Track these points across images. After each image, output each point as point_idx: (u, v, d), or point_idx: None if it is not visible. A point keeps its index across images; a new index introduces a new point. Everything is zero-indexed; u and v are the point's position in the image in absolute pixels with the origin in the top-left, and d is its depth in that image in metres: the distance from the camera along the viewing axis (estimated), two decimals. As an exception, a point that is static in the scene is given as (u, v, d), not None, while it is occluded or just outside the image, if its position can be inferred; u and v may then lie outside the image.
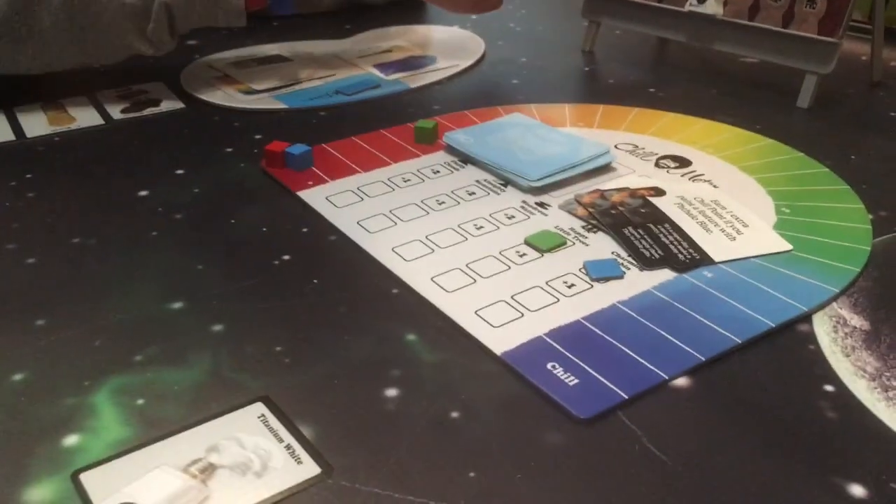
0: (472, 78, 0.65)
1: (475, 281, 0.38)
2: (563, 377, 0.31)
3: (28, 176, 0.48)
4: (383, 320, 0.36)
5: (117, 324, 0.35)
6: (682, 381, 0.32)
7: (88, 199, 0.46)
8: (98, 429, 0.29)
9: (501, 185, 0.46)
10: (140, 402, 0.31)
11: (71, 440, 0.29)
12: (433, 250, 0.40)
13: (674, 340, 0.33)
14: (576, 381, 0.31)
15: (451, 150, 0.50)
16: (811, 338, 0.34)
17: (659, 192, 0.45)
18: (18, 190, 0.46)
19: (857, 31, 0.63)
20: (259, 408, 0.30)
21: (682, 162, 0.49)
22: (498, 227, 0.42)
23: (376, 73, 0.64)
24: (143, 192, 0.46)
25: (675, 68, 0.67)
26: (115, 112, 0.56)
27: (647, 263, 0.38)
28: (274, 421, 0.30)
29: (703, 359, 0.32)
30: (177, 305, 0.36)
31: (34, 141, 0.52)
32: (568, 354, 0.33)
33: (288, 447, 0.28)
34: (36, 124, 0.54)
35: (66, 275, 0.39)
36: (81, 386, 0.31)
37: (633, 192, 0.45)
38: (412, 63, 0.66)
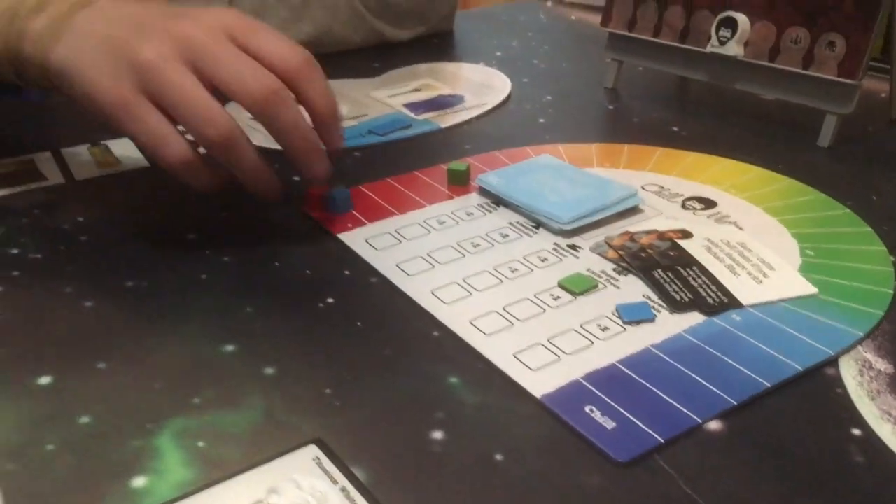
0: (500, 117, 0.67)
1: (512, 324, 0.39)
2: (600, 420, 0.33)
3: (80, 219, 0.50)
4: (426, 362, 0.37)
5: (174, 366, 0.37)
6: (714, 425, 0.33)
7: (139, 242, 0.48)
8: (163, 471, 0.31)
9: (534, 226, 0.48)
10: (201, 444, 0.32)
11: (139, 482, 0.31)
12: (470, 293, 0.42)
13: (706, 384, 0.35)
14: (613, 424, 0.33)
15: (483, 191, 0.52)
16: (838, 381, 0.36)
17: (686, 235, 0.46)
18: (71, 233, 0.48)
19: (876, 70, 0.65)
20: (313, 450, 0.32)
21: (708, 203, 0.51)
22: (532, 270, 0.44)
23: (407, 112, 0.66)
24: (192, 235, 0.48)
25: (697, 105, 0.69)
26: (159, 154, 0.58)
27: (677, 307, 0.40)
28: (328, 463, 0.31)
29: (735, 402, 0.34)
30: (229, 348, 0.38)
31: (83, 183, 0.55)
32: (605, 398, 0.34)
33: (343, 489, 0.30)
34: (84, 166, 0.57)
35: (122, 318, 0.41)
36: (145, 428, 0.33)
37: (661, 235, 0.46)
38: (441, 102, 0.69)
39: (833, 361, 0.37)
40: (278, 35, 0.45)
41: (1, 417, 0.34)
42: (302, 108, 0.45)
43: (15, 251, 0.46)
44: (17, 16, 0.46)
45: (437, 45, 0.87)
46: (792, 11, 0.59)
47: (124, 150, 0.59)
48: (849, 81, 0.57)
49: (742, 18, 0.61)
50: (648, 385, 0.35)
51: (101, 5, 0.46)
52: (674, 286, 0.42)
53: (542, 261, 0.45)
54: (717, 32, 0.62)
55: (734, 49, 0.61)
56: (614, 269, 0.44)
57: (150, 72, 0.42)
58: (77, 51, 0.44)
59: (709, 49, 0.63)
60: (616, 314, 0.40)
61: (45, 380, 0.36)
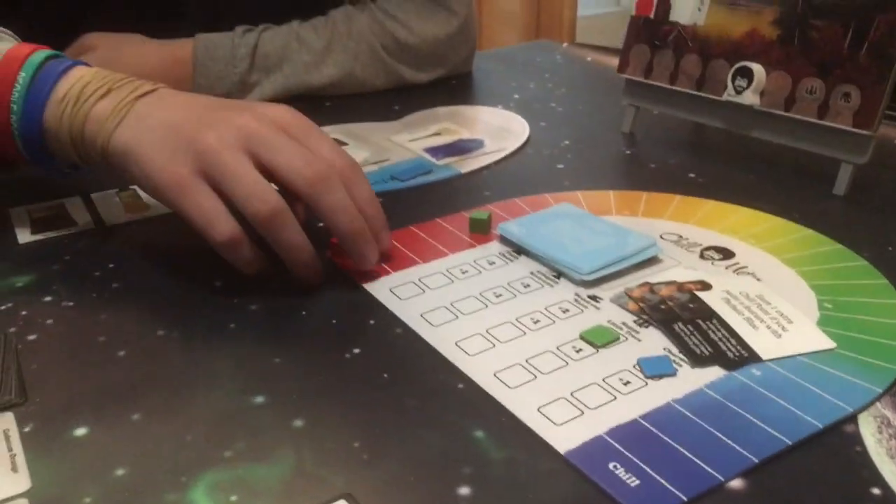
0: (519, 162, 0.68)
1: (535, 377, 0.40)
2: (624, 478, 0.34)
3: (111, 265, 0.51)
4: (452, 416, 0.38)
5: (206, 418, 0.38)
6: (736, 483, 0.34)
7: (168, 289, 0.49)
8: (198, 525, 0.32)
9: (555, 276, 0.49)
10: (234, 498, 0.33)
11: (175, 536, 0.31)
12: (494, 345, 0.43)
13: (727, 441, 0.36)
14: (637, 482, 0.33)
15: (504, 240, 0.53)
16: (857, 439, 0.36)
17: (705, 286, 0.47)
18: (103, 280, 0.49)
19: (890, 118, 0.66)
20: (343, 505, 0.33)
21: (726, 253, 0.51)
22: (553, 321, 0.45)
23: (427, 157, 0.68)
24: (219, 283, 0.49)
25: (714, 151, 0.70)
26: (186, 199, 0.60)
27: (697, 361, 0.41)
28: (359, 519, 0.32)
29: (756, 460, 0.34)
30: (259, 399, 0.39)
31: (113, 229, 0.56)
32: (628, 455, 0.35)
33: (374, 546, 0.31)
34: (113, 211, 0.58)
35: (155, 368, 0.42)
36: (179, 482, 0.34)
37: (680, 286, 0.47)
38: (461, 147, 0.70)
39: (852, 418, 0.37)
40: (329, 139, 0.49)
41: (39, 469, 0.35)
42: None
43: (48, 298, 0.47)
44: (83, 99, 0.49)
45: (455, 87, 0.88)
46: (807, 63, 0.60)
47: (152, 195, 0.60)
48: (864, 132, 0.57)
49: (758, 69, 0.62)
50: (671, 442, 0.36)
51: (161, 94, 0.50)
52: (694, 340, 0.42)
53: (564, 312, 0.45)
54: (733, 81, 0.63)
55: (750, 98, 0.62)
56: (635, 321, 0.44)
57: (208, 153, 0.45)
58: (137, 134, 0.47)
59: (725, 97, 0.64)
60: (638, 368, 0.41)
61: (81, 431, 0.37)
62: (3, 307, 0.46)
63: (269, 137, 0.46)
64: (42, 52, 0.52)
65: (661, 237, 0.53)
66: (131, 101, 0.49)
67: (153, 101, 0.49)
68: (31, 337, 0.44)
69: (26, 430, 0.37)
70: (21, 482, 0.34)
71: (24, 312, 0.46)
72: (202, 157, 0.45)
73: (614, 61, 0.74)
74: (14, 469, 0.35)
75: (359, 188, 0.48)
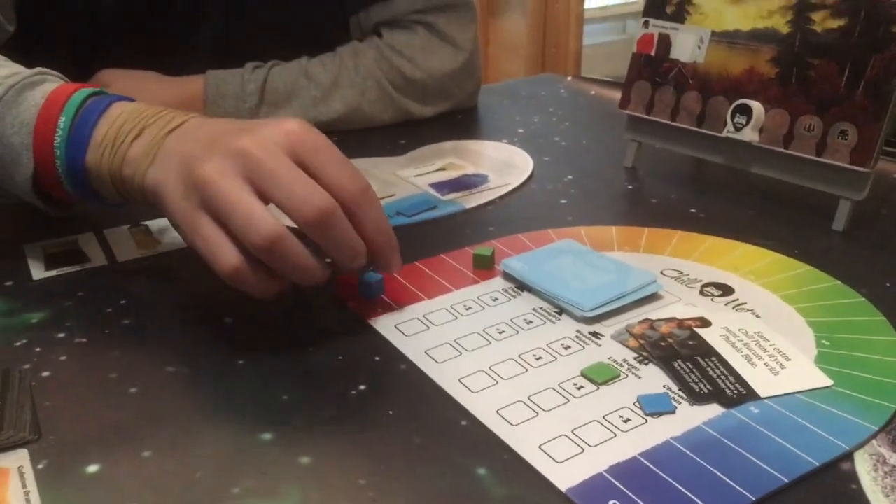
0: (522, 197, 0.69)
1: (537, 414, 0.41)
2: (624, 516, 0.34)
3: (122, 302, 0.52)
4: (455, 453, 0.39)
5: (215, 455, 0.39)
6: (733, 521, 0.34)
7: (179, 325, 0.50)
8: (207, 562, 0.33)
9: (556, 312, 0.50)
10: (242, 535, 0.34)
11: (184, 573, 0.32)
12: (497, 382, 0.44)
13: (725, 479, 0.36)
14: (636, 520, 0.34)
15: (507, 276, 0.54)
16: (853, 476, 0.37)
17: (705, 323, 0.48)
18: (115, 317, 0.50)
19: (889, 154, 0.67)
20: (349, 542, 0.34)
21: (726, 290, 0.52)
22: (555, 358, 0.46)
23: (432, 192, 0.69)
24: (228, 319, 0.50)
25: (714, 186, 0.71)
26: (196, 235, 0.61)
27: (696, 398, 0.42)
28: (363, 556, 0.33)
29: (753, 498, 0.35)
30: (266, 436, 0.40)
31: (124, 266, 0.57)
32: (628, 493, 0.36)
33: (378, 583, 0.32)
34: (125, 247, 0.59)
35: (166, 404, 0.43)
36: (189, 518, 0.35)
37: (680, 323, 0.48)
38: (466, 182, 0.71)
39: (848, 456, 0.38)
40: (339, 158, 0.47)
41: (53, 506, 0.36)
42: None
43: (61, 335, 0.49)
44: (119, 141, 0.50)
45: (461, 121, 0.90)
46: (804, 101, 0.61)
47: (163, 232, 0.62)
48: (861, 169, 0.58)
49: (757, 106, 0.63)
50: (670, 480, 0.36)
51: (187, 127, 0.50)
52: (693, 377, 0.43)
53: (566, 348, 0.46)
54: (732, 118, 0.65)
55: (749, 135, 0.64)
56: (635, 358, 0.45)
57: (206, 186, 0.44)
58: (163, 174, 0.48)
59: (724, 134, 0.65)
60: (638, 405, 0.41)
61: (93, 468, 0.38)
62: (18, 343, 0.48)
63: (268, 167, 0.44)
64: (82, 93, 0.52)
65: (661, 273, 0.54)
66: (161, 139, 0.49)
67: (179, 136, 0.49)
68: (45, 373, 0.45)
69: (40, 466, 0.38)
70: (35, 519, 0.35)
71: (38, 349, 0.47)
72: (201, 190, 0.45)
73: (617, 95, 0.75)
74: (28, 506, 0.36)
75: (369, 215, 0.46)
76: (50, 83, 0.54)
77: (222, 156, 0.45)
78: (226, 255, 0.44)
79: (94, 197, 0.54)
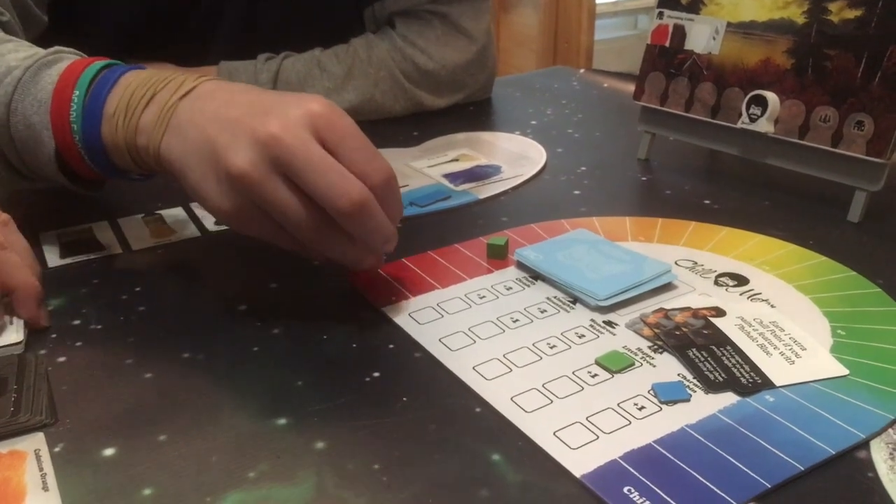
0: (536, 188, 0.69)
1: (552, 402, 0.41)
2: (639, 502, 0.34)
3: (137, 289, 0.52)
4: (469, 439, 0.39)
5: (230, 439, 0.39)
6: (749, 508, 0.34)
7: (193, 312, 0.50)
8: (223, 544, 0.33)
9: (571, 302, 0.50)
10: (257, 518, 0.34)
11: (201, 555, 0.32)
12: (511, 370, 0.44)
13: (740, 466, 0.36)
14: (651, 506, 0.34)
15: (521, 265, 0.54)
16: (869, 465, 0.37)
17: (720, 313, 0.48)
18: (130, 304, 0.51)
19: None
20: (364, 526, 0.34)
21: (741, 280, 0.52)
22: (570, 347, 0.45)
23: (446, 183, 0.69)
24: (243, 307, 0.50)
25: (729, 177, 0.71)
26: (210, 224, 0.61)
27: (711, 387, 0.42)
28: (378, 539, 0.33)
29: (769, 486, 0.35)
30: (281, 421, 0.40)
31: (139, 253, 0.57)
32: (643, 479, 0.36)
33: (394, 566, 0.32)
34: (139, 236, 0.59)
35: (181, 389, 0.43)
36: (204, 502, 0.35)
37: (695, 313, 0.48)
38: (479, 173, 0.71)
39: (864, 444, 0.38)
40: (366, 144, 0.46)
41: (69, 488, 0.36)
42: None
43: (77, 322, 0.49)
44: (131, 109, 0.50)
45: (474, 112, 0.89)
46: (820, 91, 0.61)
47: (177, 219, 0.62)
48: (877, 160, 0.58)
49: (772, 97, 0.63)
50: (685, 466, 0.36)
51: (199, 92, 0.49)
52: (708, 366, 0.43)
53: (580, 337, 0.46)
54: (747, 110, 0.64)
55: (764, 126, 0.63)
56: (650, 347, 0.45)
57: (239, 179, 0.44)
58: (181, 148, 0.47)
59: (739, 125, 0.65)
60: (652, 393, 0.41)
61: (109, 451, 0.38)
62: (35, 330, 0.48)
63: (301, 157, 0.43)
64: (95, 66, 0.52)
65: (676, 263, 0.54)
66: (174, 104, 0.48)
67: (193, 103, 0.48)
68: (61, 359, 0.45)
69: (56, 450, 0.38)
70: (52, 501, 0.35)
71: (53, 335, 0.47)
72: (239, 186, 0.44)
73: (630, 87, 0.75)
74: (45, 488, 0.36)
75: (388, 203, 0.46)
76: (65, 60, 0.54)
77: (250, 144, 0.44)
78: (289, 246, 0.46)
79: (116, 171, 0.53)
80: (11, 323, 0.47)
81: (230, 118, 0.46)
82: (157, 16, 0.82)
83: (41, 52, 0.55)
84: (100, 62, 0.53)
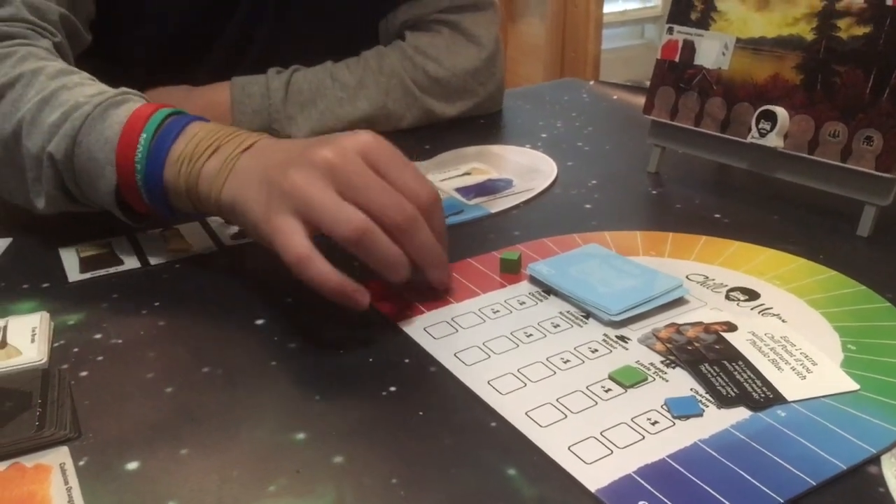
0: (547, 202, 0.70)
1: (566, 416, 0.42)
2: (653, 516, 0.35)
3: (156, 304, 0.53)
4: (485, 453, 0.40)
5: (250, 453, 0.40)
6: (762, 522, 0.35)
7: (212, 327, 0.51)
8: (246, 557, 0.34)
9: (584, 316, 0.51)
10: (279, 531, 0.35)
11: (224, 568, 0.33)
12: (525, 384, 0.44)
13: (753, 481, 0.37)
14: (665, 520, 0.35)
15: (534, 280, 0.55)
16: (880, 480, 0.37)
17: (731, 328, 0.48)
18: (150, 319, 0.52)
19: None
20: (383, 540, 0.34)
21: (752, 294, 0.53)
22: (583, 361, 0.46)
23: (458, 197, 0.70)
24: (260, 321, 0.51)
25: (739, 191, 0.71)
26: (226, 238, 0.62)
27: (723, 402, 0.42)
28: (398, 553, 0.34)
29: (781, 500, 0.36)
30: (300, 436, 0.41)
31: (157, 268, 0.58)
32: (657, 494, 0.36)
33: (413, 580, 0.32)
34: (157, 251, 0.60)
35: (201, 404, 0.44)
36: (227, 515, 0.36)
37: (706, 328, 0.49)
38: (491, 186, 0.72)
39: (875, 459, 0.38)
40: (412, 167, 0.51)
41: (93, 502, 0.37)
42: None
43: (98, 336, 0.50)
44: (195, 158, 0.53)
45: (485, 125, 0.90)
46: (829, 107, 0.62)
47: (194, 234, 0.63)
48: (886, 175, 0.59)
49: (781, 112, 0.64)
50: (698, 482, 0.37)
51: (259, 146, 0.53)
52: (720, 380, 0.44)
53: (593, 352, 0.47)
54: (757, 125, 0.65)
55: (774, 141, 0.64)
56: (662, 362, 0.46)
57: (294, 192, 0.47)
58: (240, 188, 0.51)
59: (749, 140, 0.66)
60: (665, 408, 0.42)
61: (132, 465, 0.39)
62: (56, 344, 0.49)
63: (351, 173, 0.47)
64: (163, 111, 0.56)
65: (687, 278, 0.55)
66: (236, 157, 0.52)
67: (253, 154, 0.52)
68: (83, 373, 0.46)
69: (81, 463, 0.39)
70: (78, 514, 0.36)
71: (75, 349, 0.48)
72: (289, 196, 0.47)
73: (640, 100, 0.76)
74: (70, 502, 0.37)
75: (433, 223, 0.50)
76: (133, 102, 0.57)
77: (307, 166, 0.48)
78: (316, 265, 0.47)
79: (169, 209, 0.57)
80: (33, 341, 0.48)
81: (287, 156, 0.50)
82: (187, 38, 0.84)
83: (109, 90, 0.58)
84: (167, 109, 0.56)
